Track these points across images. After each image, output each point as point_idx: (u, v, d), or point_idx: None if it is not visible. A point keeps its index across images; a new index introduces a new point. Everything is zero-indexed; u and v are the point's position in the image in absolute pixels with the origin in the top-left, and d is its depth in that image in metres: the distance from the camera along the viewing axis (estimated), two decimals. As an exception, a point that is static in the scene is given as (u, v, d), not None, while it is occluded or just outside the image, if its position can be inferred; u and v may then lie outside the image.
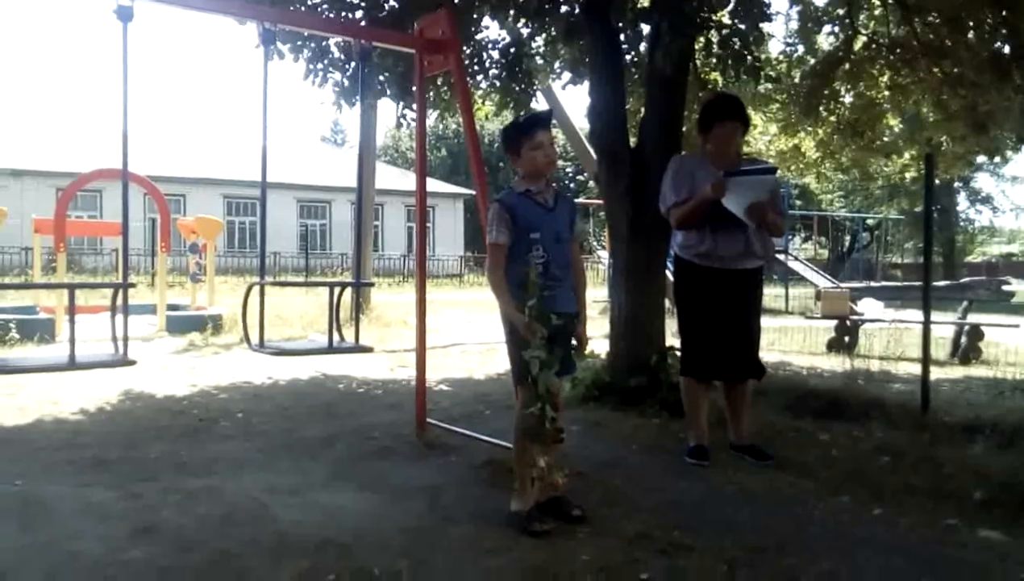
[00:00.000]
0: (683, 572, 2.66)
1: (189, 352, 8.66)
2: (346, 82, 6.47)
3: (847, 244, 36.53)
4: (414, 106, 6.80)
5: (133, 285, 3.51)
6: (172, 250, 12.89)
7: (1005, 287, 10.48)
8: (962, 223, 41.22)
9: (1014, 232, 47.42)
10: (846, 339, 10.03)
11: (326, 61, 6.41)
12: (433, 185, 30.12)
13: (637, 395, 5.01)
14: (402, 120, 7.01)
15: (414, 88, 6.42)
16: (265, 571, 2.66)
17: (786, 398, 5.64)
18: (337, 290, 4.08)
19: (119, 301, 3.48)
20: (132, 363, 3.46)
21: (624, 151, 5.42)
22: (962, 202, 40.03)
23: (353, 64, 6.27)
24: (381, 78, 6.43)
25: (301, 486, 3.64)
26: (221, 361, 7.97)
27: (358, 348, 4.11)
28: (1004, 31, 6.37)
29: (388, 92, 6.46)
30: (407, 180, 33.04)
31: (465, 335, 10.52)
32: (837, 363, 8.37)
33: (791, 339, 10.88)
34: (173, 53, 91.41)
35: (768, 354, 9.22)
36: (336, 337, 3.99)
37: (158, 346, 9.00)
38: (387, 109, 65.75)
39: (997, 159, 18.41)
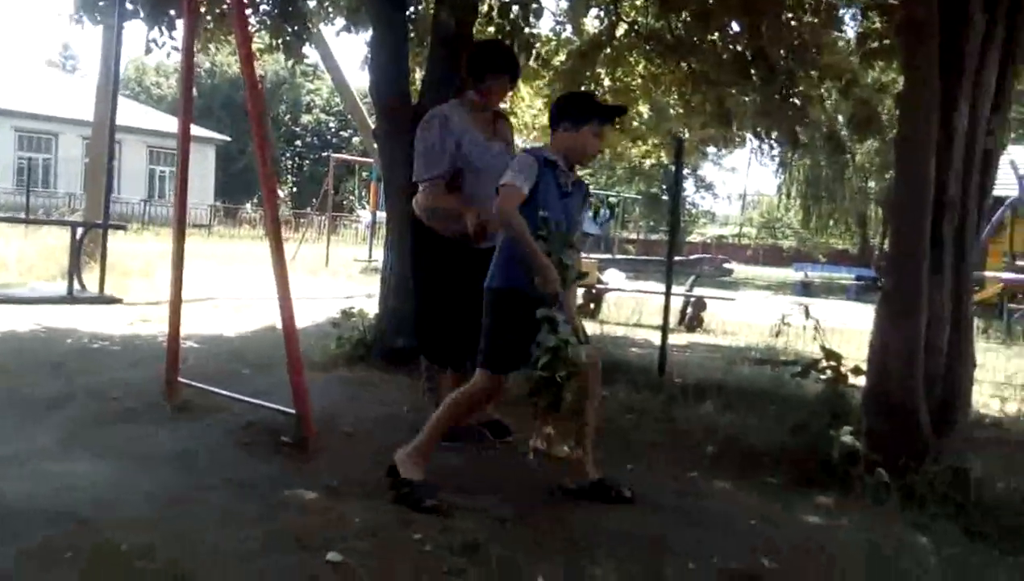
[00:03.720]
0: (455, 531, 2.68)
1: None
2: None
3: (591, 217, 39.14)
4: (173, 33, 6.19)
5: None
6: None
7: (726, 265, 11.78)
8: (687, 206, 45.77)
9: (727, 217, 53.88)
10: (592, 306, 10.78)
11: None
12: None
13: (405, 355, 4.95)
14: (153, 45, 6.33)
15: (172, 12, 5.84)
16: (-15, 551, 2.30)
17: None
18: (79, 232, 3.59)
19: None
20: None
21: (406, 108, 5.30)
22: (689, 188, 44.44)
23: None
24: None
25: (27, 453, 3.19)
26: (-88, 309, 6.78)
27: (104, 298, 3.67)
28: (747, 35, 7.04)
29: (141, 14, 5.78)
30: (150, 118, 30.17)
31: (216, 290, 9.84)
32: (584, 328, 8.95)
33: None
34: None
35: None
36: (77, 285, 3.52)
37: None
38: (131, 36, 59.29)
39: (723, 151, 20.57)
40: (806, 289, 21.33)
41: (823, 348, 3.88)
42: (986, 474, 3.42)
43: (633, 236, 39.75)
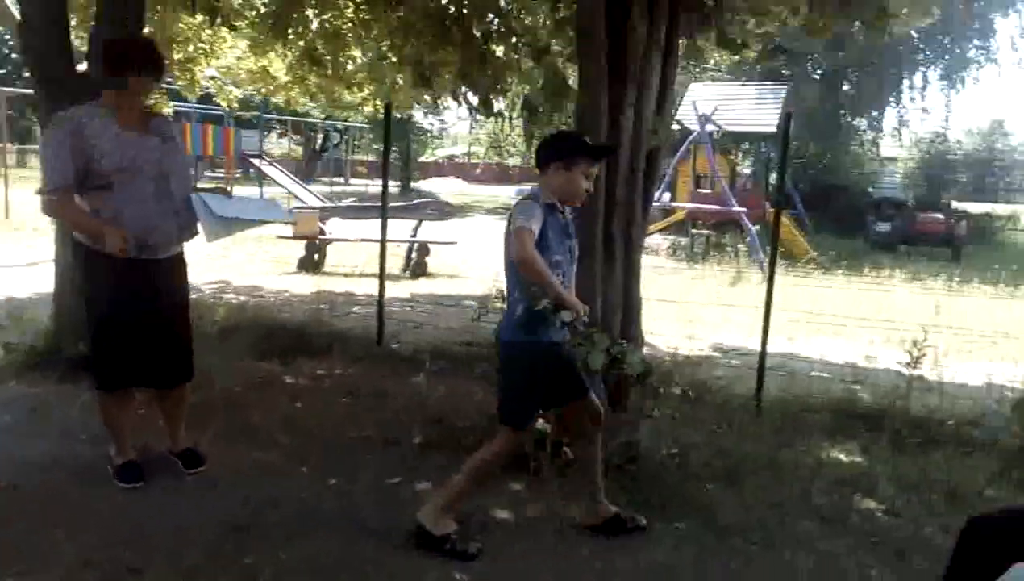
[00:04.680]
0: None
1: None
2: None
3: (320, 143, 37.96)
4: None
5: None
6: None
7: (447, 209, 12.11)
8: (417, 131, 45.89)
9: (457, 136, 55.49)
10: (315, 257, 10.51)
11: None
12: None
13: (85, 363, 4.40)
14: None
15: None
16: None
17: (256, 336, 5.70)
18: None
19: None
20: None
21: (70, 75, 4.61)
22: (418, 115, 44.41)
23: None
24: None
25: None
26: None
27: None
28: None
29: None
30: None
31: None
32: (307, 284, 8.75)
33: (266, 254, 11.04)
34: None
35: (241, 278, 9.20)
36: None
37: None
38: None
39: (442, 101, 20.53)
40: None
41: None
42: (652, 442, 3.85)
43: (364, 158, 39.29)
